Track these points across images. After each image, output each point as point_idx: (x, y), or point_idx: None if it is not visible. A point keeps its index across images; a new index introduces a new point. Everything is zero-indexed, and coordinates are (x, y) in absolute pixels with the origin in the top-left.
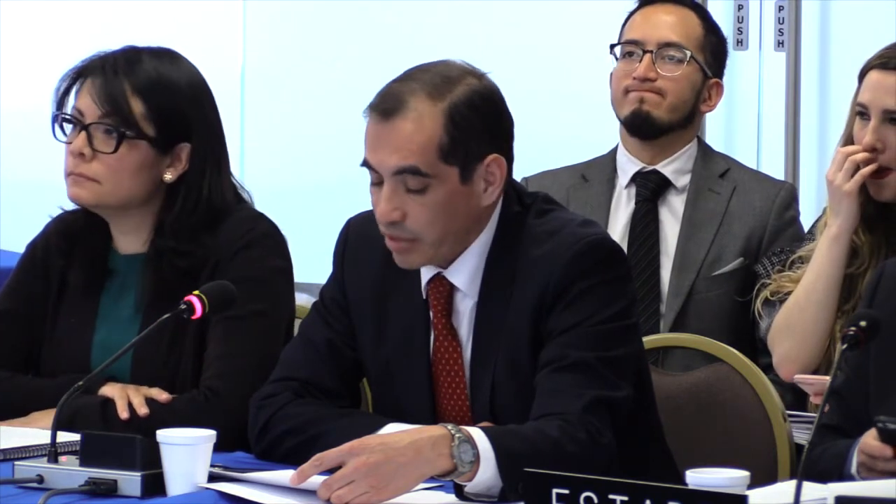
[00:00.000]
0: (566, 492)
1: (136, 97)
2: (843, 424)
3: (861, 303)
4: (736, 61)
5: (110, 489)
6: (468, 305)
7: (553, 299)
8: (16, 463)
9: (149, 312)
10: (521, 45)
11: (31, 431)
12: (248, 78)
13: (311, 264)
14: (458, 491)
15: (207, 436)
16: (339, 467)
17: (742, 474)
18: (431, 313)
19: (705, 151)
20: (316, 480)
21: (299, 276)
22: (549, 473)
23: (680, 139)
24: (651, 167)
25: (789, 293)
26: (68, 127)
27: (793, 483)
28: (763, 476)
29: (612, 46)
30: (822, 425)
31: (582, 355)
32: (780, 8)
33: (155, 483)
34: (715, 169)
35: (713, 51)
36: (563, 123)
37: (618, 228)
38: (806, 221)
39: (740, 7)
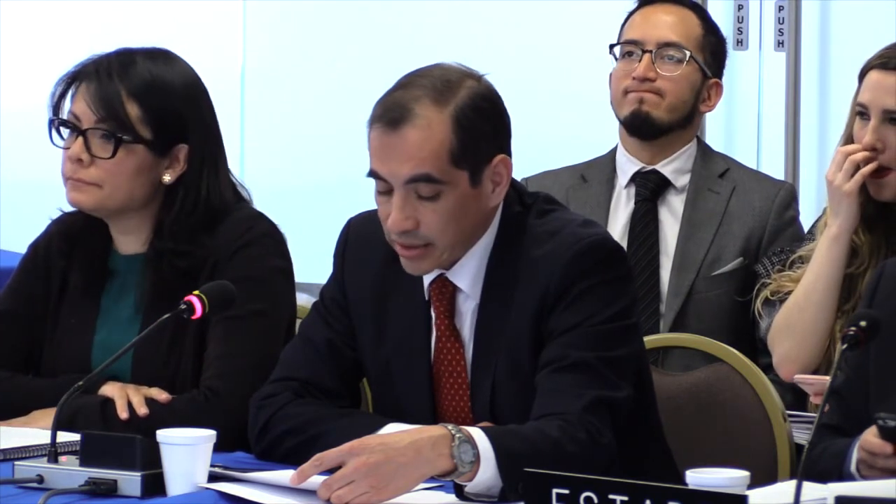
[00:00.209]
0: (566, 492)
1: (132, 101)
2: (843, 424)
3: (861, 303)
4: (736, 61)
5: (110, 489)
6: (470, 306)
7: (554, 300)
8: (16, 463)
9: (149, 313)
10: (521, 45)
11: (31, 431)
12: (248, 78)
13: (311, 264)
14: (458, 491)
15: (207, 436)
16: (339, 467)
17: (742, 474)
18: (434, 314)
19: (705, 151)
20: (316, 480)
21: (299, 276)
22: (549, 473)
23: (679, 139)
24: (650, 167)
25: (789, 293)
26: (65, 131)
27: (793, 483)
28: (763, 476)
29: (612, 46)
30: (822, 425)
31: (582, 355)
32: (780, 8)
33: (155, 483)
34: (714, 169)
35: (713, 51)
36: (563, 123)
37: (617, 228)
38: (806, 221)
39: (740, 7)
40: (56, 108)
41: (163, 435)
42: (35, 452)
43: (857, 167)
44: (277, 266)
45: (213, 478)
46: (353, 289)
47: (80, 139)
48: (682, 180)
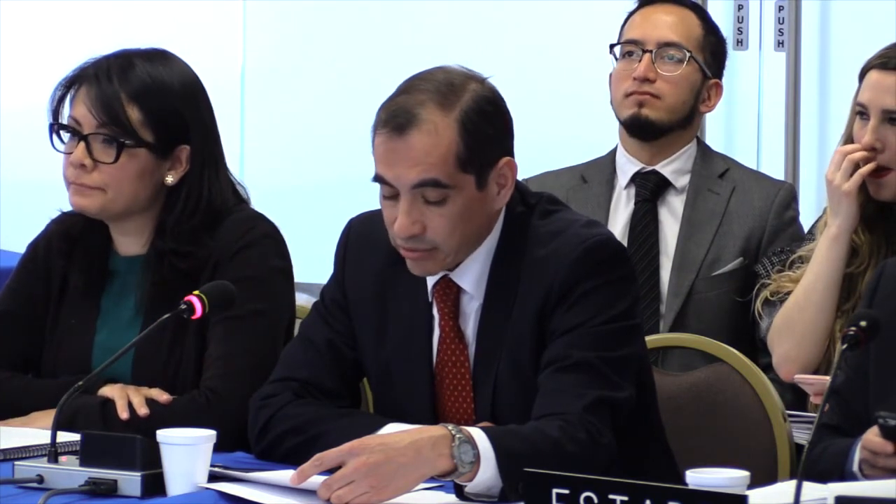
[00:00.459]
0: (566, 492)
1: (132, 104)
2: (843, 424)
3: (861, 303)
4: (736, 61)
5: (110, 489)
6: (474, 307)
7: (557, 299)
8: (16, 463)
9: (149, 314)
10: (521, 46)
11: (31, 431)
12: (248, 78)
13: (311, 264)
14: (459, 491)
15: (207, 436)
16: (339, 467)
17: (742, 474)
18: (437, 315)
19: (705, 151)
20: (316, 480)
21: (299, 276)
22: (550, 473)
23: (679, 139)
24: (650, 167)
25: (789, 293)
26: (66, 135)
27: (793, 483)
28: (763, 476)
29: (612, 46)
30: (822, 425)
31: (584, 355)
32: (780, 8)
33: (155, 483)
34: (714, 169)
35: (713, 51)
36: (563, 123)
37: (617, 229)
38: (806, 221)
39: (740, 7)
40: (56, 112)
41: (163, 435)
42: (35, 452)
43: (856, 167)
44: (277, 266)
45: (213, 478)
46: (354, 289)
47: (82, 144)
48: (682, 181)
